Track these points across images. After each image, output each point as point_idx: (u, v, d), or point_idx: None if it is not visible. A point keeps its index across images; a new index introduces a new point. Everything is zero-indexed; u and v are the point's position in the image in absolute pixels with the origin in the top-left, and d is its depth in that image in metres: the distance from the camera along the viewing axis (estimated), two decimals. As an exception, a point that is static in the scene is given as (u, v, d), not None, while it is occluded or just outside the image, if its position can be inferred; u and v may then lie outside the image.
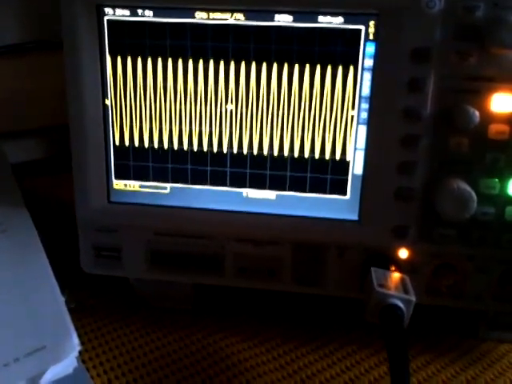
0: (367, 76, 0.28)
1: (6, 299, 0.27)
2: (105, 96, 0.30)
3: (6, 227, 0.31)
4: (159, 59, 0.29)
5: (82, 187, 0.31)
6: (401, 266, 0.29)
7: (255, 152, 0.30)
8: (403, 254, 0.29)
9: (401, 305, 0.25)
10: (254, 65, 0.28)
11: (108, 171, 0.31)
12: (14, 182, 0.36)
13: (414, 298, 0.26)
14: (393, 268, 0.28)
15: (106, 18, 0.29)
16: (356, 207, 0.29)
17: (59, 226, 0.37)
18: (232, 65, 0.29)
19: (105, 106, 0.30)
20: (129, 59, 0.29)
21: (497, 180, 0.27)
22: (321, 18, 0.27)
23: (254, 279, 0.31)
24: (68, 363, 0.25)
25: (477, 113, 0.26)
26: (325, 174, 0.29)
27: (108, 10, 0.29)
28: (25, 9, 0.58)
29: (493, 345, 0.32)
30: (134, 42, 0.29)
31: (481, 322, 0.31)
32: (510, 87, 0.26)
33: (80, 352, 0.25)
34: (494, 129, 0.26)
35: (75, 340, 0.25)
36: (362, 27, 0.27)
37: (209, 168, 0.30)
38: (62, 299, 0.27)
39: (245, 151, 0.30)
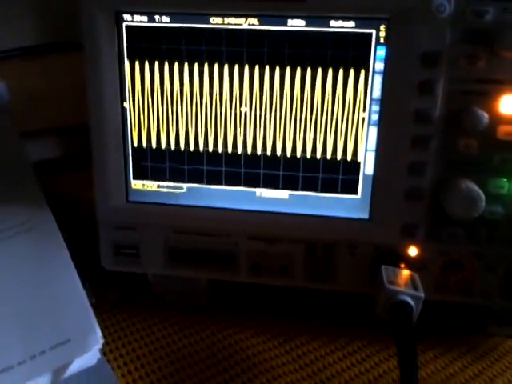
0: (378, 79, 0.29)
1: (31, 294, 0.28)
2: (123, 99, 0.31)
3: (30, 226, 0.32)
4: (176, 63, 0.30)
5: (101, 187, 0.32)
6: (410, 263, 0.30)
7: (269, 153, 0.31)
8: (412, 251, 0.30)
9: (410, 301, 0.26)
10: (267, 68, 0.29)
11: (126, 172, 0.32)
12: (37, 180, 0.38)
13: (422, 295, 0.26)
14: (402, 265, 0.29)
15: (124, 24, 0.30)
16: (367, 206, 0.30)
17: (79, 223, 0.38)
18: (246, 68, 0.30)
19: (123, 109, 0.31)
20: (146, 63, 0.30)
21: (505, 180, 0.28)
22: (332, 23, 0.28)
23: (267, 276, 0.32)
24: (91, 355, 0.26)
25: (486, 115, 0.27)
26: (336, 174, 0.30)
27: (126, 17, 0.30)
28: (40, 11, 0.59)
29: (500, 340, 0.33)
30: (152, 46, 0.30)
31: (488, 318, 0.32)
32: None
33: (102, 345, 0.27)
34: (503, 130, 0.27)
35: (98, 333, 0.26)
36: (373, 31, 0.28)
37: (224, 168, 0.31)
38: (84, 294, 0.29)
39: (258, 152, 0.31)
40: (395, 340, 0.26)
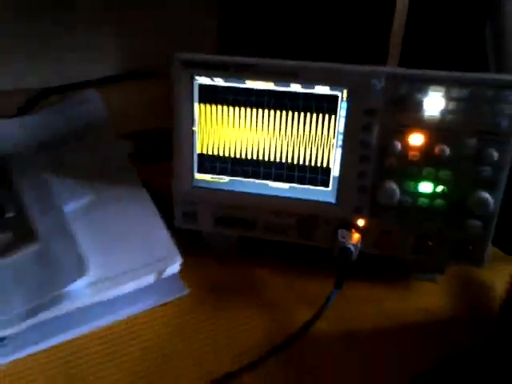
0: (342, 120, 0.49)
1: (139, 229, 0.51)
2: (193, 124, 0.53)
3: (125, 201, 0.54)
4: (225, 106, 0.51)
5: (177, 177, 0.54)
6: (359, 230, 0.50)
7: (277, 160, 0.51)
8: (360, 223, 0.50)
9: (351, 248, 0.47)
10: (277, 111, 0.50)
11: (192, 168, 0.54)
12: (132, 166, 0.60)
13: (358, 246, 0.47)
14: (353, 231, 0.50)
15: (196, 82, 0.51)
16: (334, 195, 0.51)
17: (156, 198, 0.60)
18: (266, 111, 0.50)
19: (193, 131, 0.53)
20: (207, 105, 0.52)
21: (412, 182, 0.48)
22: (316, 88, 0.48)
23: (274, 235, 0.53)
24: (175, 267, 0.48)
25: (399, 144, 0.47)
26: (317, 174, 0.51)
27: (197, 78, 0.51)
28: (121, 48, 0.81)
29: (413, 282, 0.53)
30: (211, 95, 0.51)
31: (408, 267, 0.52)
32: (419, 131, 0.46)
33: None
34: (411, 153, 0.47)
35: (179, 255, 0.48)
36: (340, 93, 0.48)
37: (251, 168, 0.52)
38: (168, 232, 0.50)
39: (272, 159, 0.52)
40: (336, 269, 0.46)
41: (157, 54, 0.80)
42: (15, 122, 0.63)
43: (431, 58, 0.62)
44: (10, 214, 0.50)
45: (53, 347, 0.43)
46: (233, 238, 0.55)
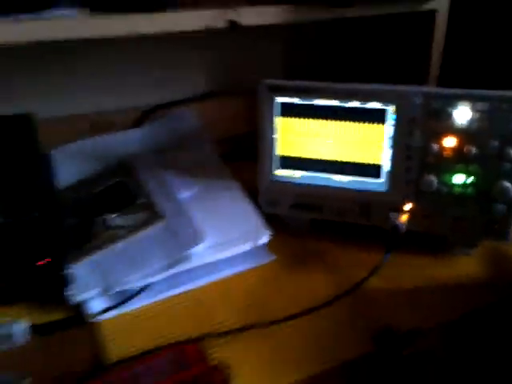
0: (391, 128, 0.63)
1: (236, 213, 0.67)
2: (273, 133, 0.69)
3: (222, 190, 0.71)
4: (299, 118, 0.67)
5: (261, 174, 0.70)
6: (406, 212, 0.64)
7: (339, 160, 0.67)
8: (407, 207, 0.64)
9: (400, 225, 0.61)
10: (341, 122, 0.65)
11: (272, 166, 0.70)
12: (224, 165, 0.77)
13: (406, 224, 0.61)
14: (402, 213, 0.64)
15: (276, 101, 0.67)
16: (386, 185, 0.65)
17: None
18: (331, 121, 0.66)
19: (273, 138, 0.69)
20: (285, 118, 0.68)
21: (448, 175, 0.61)
22: (371, 104, 0.63)
23: (338, 217, 0.68)
24: (265, 240, 0.64)
25: (436, 146, 0.60)
26: (372, 169, 0.65)
27: (278, 98, 0.67)
28: (212, 67, 0.98)
29: (451, 255, 0.66)
30: (289, 110, 0.67)
31: (446, 242, 0.66)
32: (451, 135, 0.60)
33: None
34: (445, 153, 0.61)
35: (268, 229, 0.64)
36: (389, 108, 0.63)
37: (319, 166, 0.68)
38: (259, 214, 0.67)
39: (334, 159, 0.67)
40: (388, 241, 0.61)
41: (234, 76, 0.97)
42: (135, 132, 0.82)
43: (466, 76, 0.76)
44: (141, 201, 0.69)
45: (180, 294, 0.60)
46: (305, 220, 0.71)
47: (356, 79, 0.65)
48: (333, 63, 0.99)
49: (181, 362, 0.49)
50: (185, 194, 0.70)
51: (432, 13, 0.74)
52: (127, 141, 0.81)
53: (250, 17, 0.63)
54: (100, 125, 0.82)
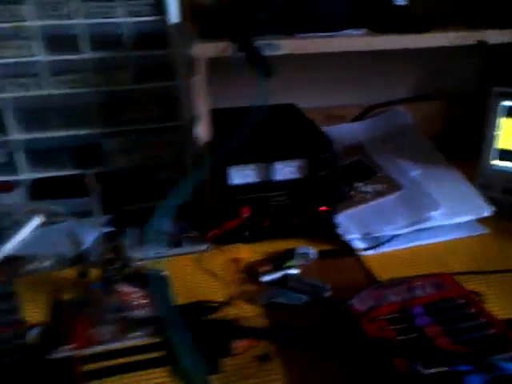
0: None
1: (460, 191, 0.85)
2: (496, 130, 0.85)
3: (443, 173, 0.89)
4: (521, 119, 0.82)
5: (482, 161, 0.86)
6: None
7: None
8: None
9: None
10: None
11: (490, 156, 0.86)
12: (439, 153, 0.94)
13: None
14: None
15: (501, 104, 0.83)
16: None
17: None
18: None
19: (495, 135, 0.85)
20: (507, 118, 0.83)
21: None
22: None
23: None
24: (485, 214, 0.81)
25: None
26: None
27: (504, 102, 0.83)
28: (417, 74, 1.15)
29: None
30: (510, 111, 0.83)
31: None
32: None
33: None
34: None
35: (488, 207, 0.81)
36: None
37: None
38: (479, 193, 0.84)
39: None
40: None
41: (436, 83, 1.14)
42: (360, 124, 1.04)
43: None
44: (380, 174, 0.89)
45: (419, 246, 0.79)
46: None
47: None
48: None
49: (441, 285, 0.67)
50: (413, 173, 0.89)
51: None
52: (354, 130, 1.02)
53: (494, 37, 0.80)
54: (331, 117, 1.04)
